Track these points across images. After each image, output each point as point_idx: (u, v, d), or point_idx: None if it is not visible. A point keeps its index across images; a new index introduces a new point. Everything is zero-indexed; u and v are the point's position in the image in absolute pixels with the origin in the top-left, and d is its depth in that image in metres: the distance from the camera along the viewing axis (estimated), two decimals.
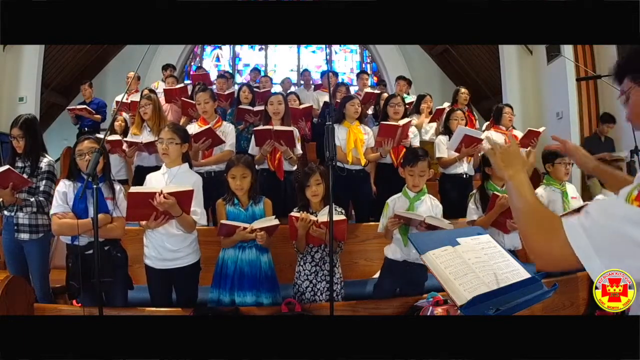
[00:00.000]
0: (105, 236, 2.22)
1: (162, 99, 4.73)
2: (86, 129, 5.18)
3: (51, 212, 2.24)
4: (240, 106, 4.34)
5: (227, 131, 3.35)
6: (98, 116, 5.21)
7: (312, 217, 2.28)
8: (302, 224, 2.26)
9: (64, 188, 2.26)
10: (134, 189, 2.13)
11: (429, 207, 2.45)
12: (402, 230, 2.38)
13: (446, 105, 4.85)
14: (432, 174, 2.50)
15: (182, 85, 5.21)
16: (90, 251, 2.16)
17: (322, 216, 2.27)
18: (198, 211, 2.28)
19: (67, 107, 5.42)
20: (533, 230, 0.89)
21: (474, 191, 2.89)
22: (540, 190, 2.87)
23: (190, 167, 2.45)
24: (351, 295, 2.56)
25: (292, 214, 2.32)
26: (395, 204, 2.47)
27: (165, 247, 2.27)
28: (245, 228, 2.25)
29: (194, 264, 2.36)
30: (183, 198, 2.14)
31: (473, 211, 2.76)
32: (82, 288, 2.16)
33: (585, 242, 0.76)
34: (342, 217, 2.30)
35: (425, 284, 2.50)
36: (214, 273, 2.43)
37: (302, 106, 4.43)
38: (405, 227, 2.38)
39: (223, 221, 2.32)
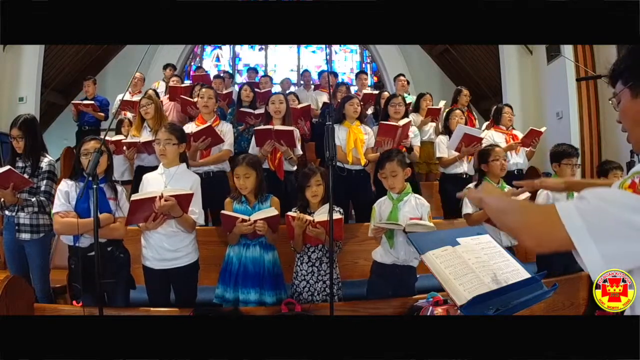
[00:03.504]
0: (108, 236, 2.23)
1: (162, 98, 4.73)
2: (86, 127, 5.13)
3: (53, 210, 2.23)
4: (241, 109, 4.34)
5: (225, 130, 3.35)
6: (102, 114, 5.15)
7: (308, 217, 2.28)
8: (299, 224, 2.26)
9: (67, 187, 2.25)
10: (135, 197, 2.14)
11: (414, 206, 2.40)
12: (388, 234, 2.37)
13: (442, 104, 4.84)
14: (408, 172, 2.44)
15: (187, 84, 5.22)
16: (93, 252, 2.16)
17: (318, 215, 2.27)
18: (196, 211, 2.29)
19: (72, 102, 5.31)
20: (525, 215, 0.89)
21: (470, 185, 2.87)
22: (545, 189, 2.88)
23: (188, 167, 2.45)
24: (351, 295, 2.56)
25: (289, 213, 2.33)
26: (381, 207, 2.45)
27: (164, 247, 2.27)
28: (244, 220, 2.25)
29: (193, 263, 2.36)
30: (182, 201, 2.15)
31: (469, 205, 2.73)
32: (84, 289, 2.14)
33: (580, 224, 0.76)
34: (338, 215, 2.29)
35: (422, 285, 2.50)
36: (220, 269, 2.45)
37: (300, 105, 4.41)
38: (391, 231, 2.36)
39: (223, 212, 2.33)
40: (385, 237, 2.38)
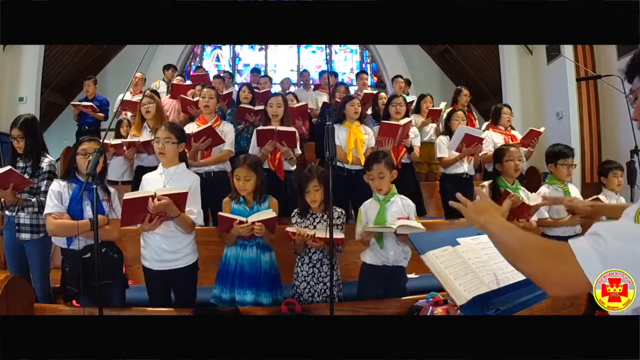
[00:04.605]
0: (102, 238, 2.20)
1: (163, 98, 4.73)
2: (86, 127, 5.14)
3: (45, 211, 2.19)
4: (241, 105, 4.34)
5: (226, 130, 3.35)
6: (101, 114, 5.15)
7: (309, 232, 2.28)
8: (299, 239, 2.28)
9: (59, 188, 2.21)
10: (127, 196, 2.09)
11: (401, 207, 2.41)
12: (377, 235, 2.35)
13: (442, 105, 4.84)
14: (394, 174, 2.44)
15: (188, 84, 5.23)
16: (89, 255, 2.15)
17: (319, 232, 2.27)
18: (194, 211, 2.27)
19: (72, 102, 5.32)
20: (541, 262, 0.84)
21: (484, 183, 2.84)
22: (543, 189, 2.88)
23: (187, 167, 2.44)
24: (351, 295, 2.56)
25: (288, 229, 2.33)
26: (367, 209, 2.44)
27: (162, 249, 2.25)
28: (241, 222, 2.24)
29: (192, 265, 2.35)
30: (177, 200, 2.13)
31: None
32: (82, 292, 2.13)
33: (599, 266, 0.74)
34: (341, 235, 2.30)
35: (423, 285, 2.49)
36: (218, 269, 2.45)
37: (296, 105, 4.39)
38: (380, 232, 2.34)
39: (221, 213, 2.32)
40: (374, 239, 2.37)
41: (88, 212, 2.18)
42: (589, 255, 0.75)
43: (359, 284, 2.50)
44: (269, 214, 2.29)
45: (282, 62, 8.68)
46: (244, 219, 2.24)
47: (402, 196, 2.47)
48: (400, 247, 2.35)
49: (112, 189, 2.37)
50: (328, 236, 1.90)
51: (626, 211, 0.79)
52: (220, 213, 2.33)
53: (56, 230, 2.18)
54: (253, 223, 2.23)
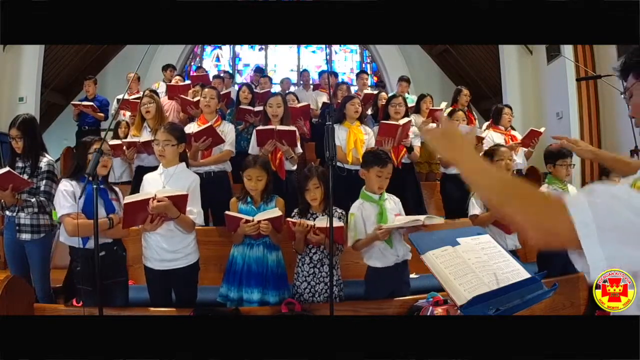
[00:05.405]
0: (115, 236, 2.26)
1: (162, 98, 4.73)
2: (86, 127, 5.13)
3: (62, 212, 2.16)
4: (241, 106, 4.34)
5: (227, 130, 3.35)
6: (101, 114, 5.15)
7: (309, 222, 2.28)
8: (299, 229, 2.27)
9: (71, 187, 2.20)
10: (128, 199, 2.10)
11: (393, 204, 2.45)
12: None
13: (443, 105, 4.83)
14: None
15: (187, 83, 5.23)
16: (103, 253, 2.14)
17: (320, 222, 2.27)
18: (194, 211, 2.28)
19: (72, 102, 5.31)
20: (529, 210, 0.78)
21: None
22: (543, 189, 2.88)
23: (187, 166, 2.44)
24: (352, 295, 2.56)
25: (289, 219, 2.33)
26: (363, 211, 2.38)
27: (163, 248, 2.26)
28: (247, 220, 2.26)
29: (193, 264, 2.35)
30: (177, 202, 2.14)
31: (476, 206, 2.71)
32: (95, 290, 2.12)
33: (590, 218, 0.70)
34: (340, 223, 2.29)
35: (422, 285, 2.49)
36: (225, 268, 2.47)
37: (299, 105, 4.40)
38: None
39: (228, 212, 2.35)
40: (383, 241, 2.34)
41: (102, 211, 2.20)
42: (582, 205, 0.71)
43: (367, 287, 2.46)
44: (275, 212, 2.30)
45: (282, 62, 8.68)
46: (250, 218, 2.27)
47: (388, 193, 2.48)
48: (403, 242, 2.38)
49: (116, 188, 2.40)
50: (328, 226, 1.89)
51: (627, 179, 0.78)
52: (227, 212, 2.36)
53: (75, 231, 2.10)
54: (259, 222, 2.25)
